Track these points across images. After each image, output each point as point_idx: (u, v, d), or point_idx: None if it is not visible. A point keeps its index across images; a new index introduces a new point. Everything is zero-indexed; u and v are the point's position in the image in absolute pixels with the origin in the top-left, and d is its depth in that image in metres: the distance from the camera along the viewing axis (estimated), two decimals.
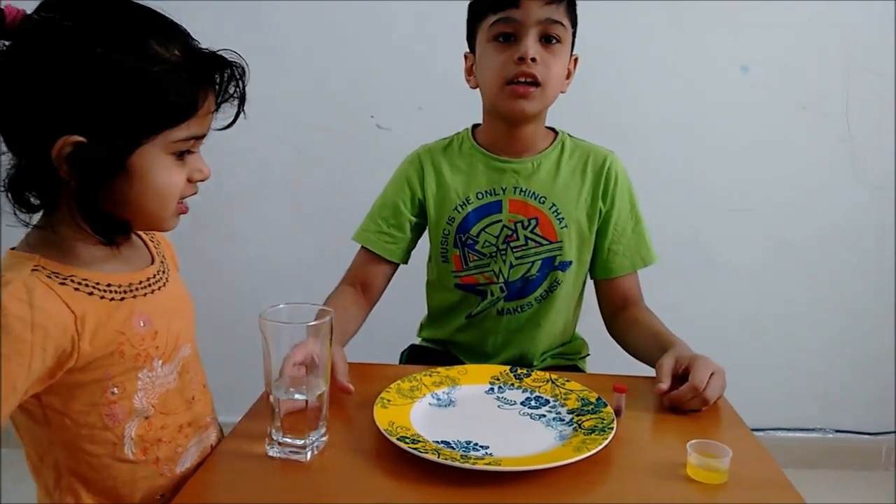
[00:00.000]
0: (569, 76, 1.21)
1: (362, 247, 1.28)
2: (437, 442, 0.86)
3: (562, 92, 1.20)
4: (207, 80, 0.76)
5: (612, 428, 0.88)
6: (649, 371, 1.14)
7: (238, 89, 0.78)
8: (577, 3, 1.18)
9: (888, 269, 2.01)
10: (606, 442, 0.84)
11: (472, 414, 0.95)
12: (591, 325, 1.36)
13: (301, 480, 0.80)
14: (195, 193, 0.82)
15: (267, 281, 1.99)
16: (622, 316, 1.26)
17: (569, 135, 1.29)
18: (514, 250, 1.23)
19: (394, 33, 1.88)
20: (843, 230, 1.99)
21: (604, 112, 1.88)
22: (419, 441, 0.85)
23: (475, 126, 1.30)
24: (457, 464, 0.79)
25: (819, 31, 1.88)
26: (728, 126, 1.93)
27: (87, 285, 0.75)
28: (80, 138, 0.70)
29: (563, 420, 0.93)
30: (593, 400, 0.96)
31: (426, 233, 1.30)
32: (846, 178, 1.96)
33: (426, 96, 1.90)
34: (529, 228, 1.22)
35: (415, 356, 1.38)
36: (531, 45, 1.11)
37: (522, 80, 1.12)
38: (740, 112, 1.92)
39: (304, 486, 0.79)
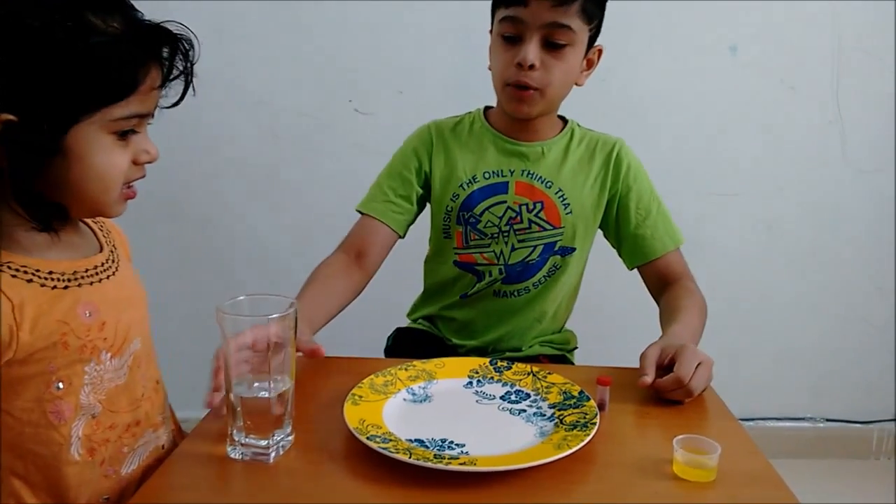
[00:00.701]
0: (590, 67, 1.18)
1: (364, 215, 1.24)
2: (411, 440, 0.81)
3: (577, 84, 1.18)
4: (151, 54, 0.71)
5: (594, 423, 0.83)
6: (636, 363, 1.10)
7: (185, 65, 0.73)
8: None
9: (879, 254, 1.98)
10: (588, 439, 0.80)
11: (449, 410, 0.91)
12: (581, 318, 1.34)
13: (265, 483, 0.76)
14: (143, 177, 0.77)
15: (242, 269, 1.94)
16: (662, 298, 1.22)
17: (577, 123, 1.28)
18: (517, 233, 1.21)
19: (375, 17, 1.82)
20: (833, 214, 1.96)
21: (588, 92, 1.82)
22: (391, 440, 0.80)
23: (487, 108, 1.28)
24: (429, 464, 0.74)
25: (808, 10, 1.83)
26: (716, 107, 1.89)
27: (25, 272, 0.71)
28: (11, 117, 0.65)
29: (544, 415, 0.89)
30: (576, 394, 0.92)
31: (426, 209, 1.28)
32: (836, 160, 1.92)
33: (407, 81, 1.84)
34: (534, 212, 1.20)
35: (401, 338, 1.34)
36: (531, 51, 1.08)
37: (521, 84, 1.10)
38: (728, 93, 1.88)
39: (268, 489, 0.74)
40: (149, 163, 0.76)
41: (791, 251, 1.98)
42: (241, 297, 0.79)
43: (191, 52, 0.73)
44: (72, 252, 0.77)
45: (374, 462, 0.77)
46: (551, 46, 1.09)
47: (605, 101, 1.84)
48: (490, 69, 1.18)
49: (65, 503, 0.76)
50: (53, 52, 0.66)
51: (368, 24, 1.82)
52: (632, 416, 0.92)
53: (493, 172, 1.21)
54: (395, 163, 1.27)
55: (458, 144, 1.24)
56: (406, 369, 0.99)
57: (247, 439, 0.78)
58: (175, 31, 0.72)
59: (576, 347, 1.34)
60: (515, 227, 1.21)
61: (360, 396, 0.90)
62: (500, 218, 1.21)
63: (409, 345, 1.32)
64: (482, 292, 1.25)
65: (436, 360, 1.02)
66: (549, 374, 0.98)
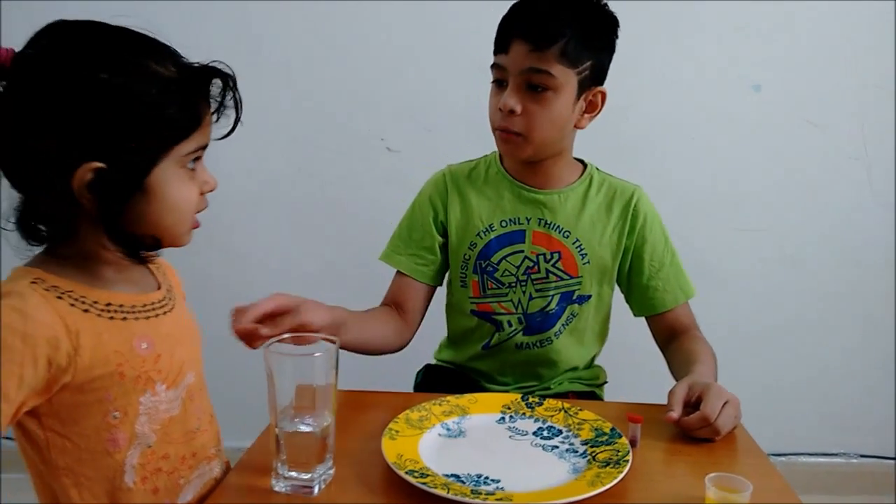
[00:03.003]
0: (593, 110, 1.17)
1: (397, 271, 1.28)
2: (447, 475, 0.83)
3: (578, 127, 1.18)
4: (204, 91, 0.77)
5: (627, 460, 0.85)
6: (665, 398, 1.11)
7: (232, 97, 0.79)
8: (618, 32, 1.16)
9: None
10: (621, 476, 0.82)
11: (483, 445, 0.93)
12: (611, 353, 1.35)
13: None
14: (206, 207, 0.83)
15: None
16: (671, 345, 1.24)
17: (597, 168, 1.27)
18: (535, 282, 1.22)
19: (403, 54, 1.88)
20: (859, 250, 1.96)
21: (614, 130, 1.85)
22: (428, 475, 0.82)
23: None
24: (467, 499, 0.77)
25: (831, 48, 1.86)
26: (741, 144, 1.91)
27: (83, 302, 0.75)
28: (100, 164, 0.71)
29: (577, 451, 0.91)
30: (607, 430, 0.94)
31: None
32: (862, 196, 1.93)
33: (434, 118, 1.89)
34: (552, 262, 1.21)
35: (430, 375, 1.36)
36: (510, 97, 1.10)
37: (505, 129, 1.13)
38: (753, 130, 1.90)
39: None
40: (210, 192, 0.82)
41: (817, 287, 1.98)
42: (286, 336, 0.83)
43: (236, 86, 0.79)
44: (132, 287, 0.82)
45: (412, 496, 0.79)
46: (534, 90, 1.10)
47: (629, 138, 1.88)
48: None
49: None
50: (129, 101, 0.72)
51: (399, 61, 1.88)
52: (663, 454, 0.93)
53: (511, 220, 1.22)
54: (413, 213, 1.28)
55: (475, 191, 1.25)
56: (440, 404, 1.01)
57: (290, 472, 0.81)
58: (220, 69, 0.78)
59: (605, 382, 1.35)
60: (533, 276, 1.21)
61: (397, 431, 0.92)
62: (518, 267, 1.21)
63: (438, 382, 1.33)
64: (504, 344, 1.25)
65: (469, 396, 1.04)
66: (581, 410, 1.00)
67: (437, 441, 0.93)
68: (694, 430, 0.94)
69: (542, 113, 1.11)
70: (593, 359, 1.33)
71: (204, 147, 0.80)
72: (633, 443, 0.92)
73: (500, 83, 1.13)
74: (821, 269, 1.97)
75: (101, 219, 0.74)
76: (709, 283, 1.96)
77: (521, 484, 0.82)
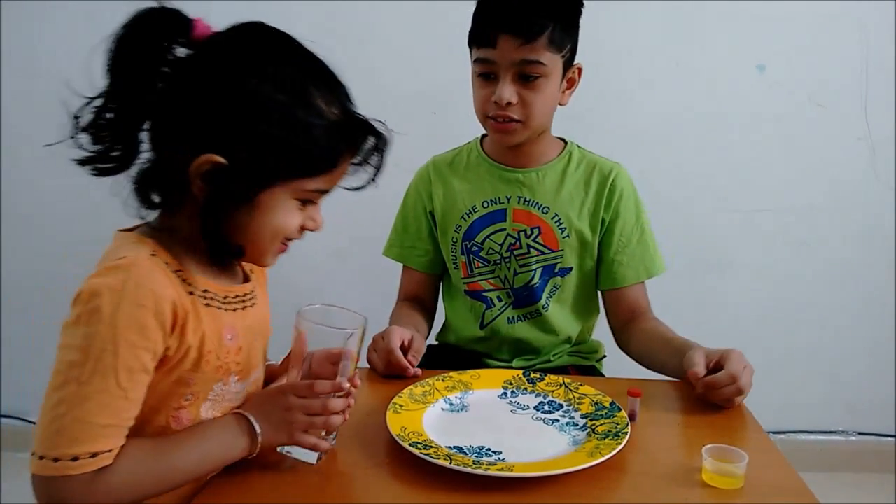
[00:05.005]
0: (571, 86, 1.21)
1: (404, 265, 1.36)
2: (450, 447, 0.85)
3: (561, 104, 1.21)
4: (353, 144, 0.79)
5: (626, 433, 0.87)
6: (665, 375, 1.13)
7: (378, 160, 0.81)
8: (583, 9, 1.17)
9: None
10: (620, 447, 0.84)
11: (485, 419, 0.95)
12: (608, 328, 1.35)
13: (314, 486, 0.80)
14: (299, 239, 0.83)
15: (278, 286, 1.99)
16: (631, 327, 1.26)
17: (577, 146, 1.30)
18: (518, 258, 1.25)
19: (408, 37, 1.88)
20: (863, 229, 1.96)
21: (618, 113, 1.87)
22: (431, 447, 0.84)
23: (484, 136, 1.32)
24: (469, 469, 0.79)
25: (836, 28, 1.85)
26: (744, 125, 1.90)
27: (189, 284, 0.77)
28: (223, 160, 0.72)
29: (577, 425, 0.93)
30: (607, 404, 0.96)
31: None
32: (866, 176, 1.92)
33: (440, 101, 1.89)
34: (532, 237, 1.24)
35: (433, 355, 1.37)
36: (506, 89, 1.12)
37: (501, 119, 1.15)
38: (757, 111, 1.90)
39: (317, 492, 0.79)
40: (311, 230, 0.83)
41: (821, 266, 1.98)
42: (317, 305, 0.84)
43: (385, 151, 0.81)
44: (223, 277, 0.84)
45: (415, 468, 0.81)
46: (526, 79, 1.13)
47: (633, 120, 1.88)
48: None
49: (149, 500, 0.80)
50: (279, 119, 0.73)
51: (403, 44, 1.88)
52: (662, 427, 0.95)
53: (492, 201, 1.26)
54: (405, 207, 1.36)
55: (457, 177, 1.30)
56: (443, 380, 1.03)
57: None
58: (379, 130, 0.80)
59: (604, 356, 1.37)
60: (516, 252, 1.25)
61: (401, 405, 0.94)
62: (501, 245, 1.25)
63: (441, 361, 1.34)
64: (497, 321, 1.28)
65: (471, 372, 1.06)
66: (581, 385, 1.02)
67: (440, 415, 0.95)
68: (720, 387, 0.96)
69: (537, 98, 1.14)
70: (590, 331, 1.36)
71: (326, 192, 0.81)
72: (632, 416, 0.94)
73: (487, 75, 1.15)
74: (823, 249, 1.97)
75: (203, 210, 0.75)
76: (712, 264, 1.99)
77: (522, 455, 0.84)
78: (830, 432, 2.09)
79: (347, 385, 0.83)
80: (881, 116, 1.89)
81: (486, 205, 1.26)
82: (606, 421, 0.91)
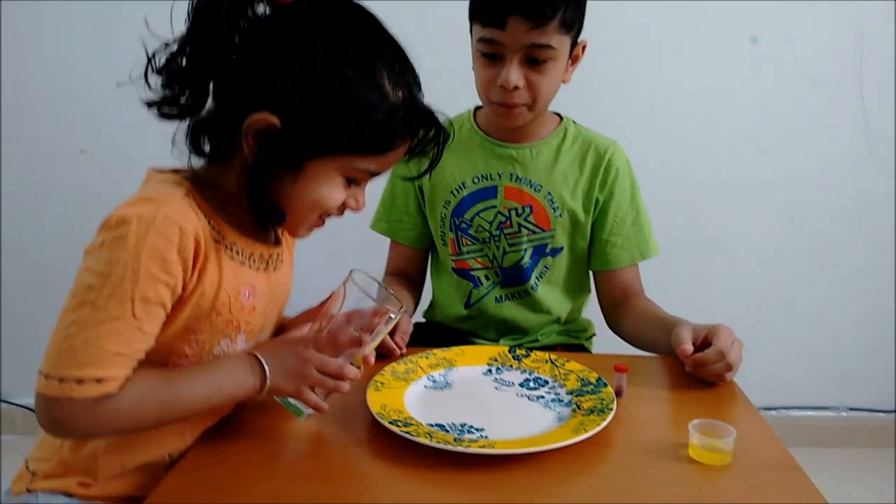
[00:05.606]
0: (575, 62, 1.16)
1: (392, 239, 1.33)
2: (432, 425, 0.83)
3: (564, 82, 1.16)
4: (413, 131, 0.78)
5: (611, 408, 0.85)
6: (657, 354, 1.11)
7: (436, 151, 0.82)
8: None
9: None
10: (605, 423, 0.82)
11: (469, 396, 0.93)
12: (598, 306, 1.33)
13: (291, 465, 0.79)
14: (338, 217, 0.83)
15: None
16: (622, 307, 1.23)
17: (573, 121, 1.26)
18: (508, 237, 1.22)
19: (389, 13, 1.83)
20: (856, 205, 1.94)
21: (609, 89, 1.83)
22: (412, 424, 0.82)
23: (478, 108, 1.27)
24: (449, 447, 0.77)
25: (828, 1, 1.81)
26: (737, 99, 1.88)
27: (218, 232, 0.77)
28: (276, 122, 0.72)
29: (562, 401, 0.91)
30: (593, 380, 0.94)
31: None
32: (860, 153, 1.90)
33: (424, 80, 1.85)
34: (523, 216, 1.21)
35: (419, 332, 1.35)
36: (513, 74, 1.07)
37: (507, 104, 1.11)
38: (749, 84, 1.87)
39: (294, 471, 0.78)
40: (352, 210, 0.82)
41: (814, 242, 1.97)
42: (367, 274, 0.82)
43: (443, 144, 0.82)
44: (256, 237, 0.83)
45: (396, 446, 0.79)
46: (533, 62, 1.08)
47: (626, 95, 1.85)
48: (473, 70, 1.16)
49: (134, 449, 0.80)
50: (343, 94, 0.73)
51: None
52: (649, 403, 0.93)
53: (482, 177, 1.22)
54: (393, 179, 1.30)
55: (448, 151, 1.23)
56: (427, 357, 1.01)
57: None
58: (441, 121, 0.80)
59: (594, 335, 1.35)
60: (506, 231, 1.21)
61: (382, 383, 0.92)
62: (491, 223, 1.22)
63: (426, 339, 1.33)
64: (483, 301, 1.25)
65: (455, 349, 1.04)
66: (567, 361, 1.00)
67: (422, 393, 0.93)
68: (709, 364, 0.94)
69: (545, 81, 1.10)
70: (579, 311, 1.33)
71: (375, 174, 0.81)
72: (618, 392, 0.92)
73: (492, 56, 1.10)
74: (815, 225, 1.96)
75: (248, 168, 0.75)
76: (705, 242, 1.97)
77: (505, 432, 0.82)
78: (822, 408, 2.09)
79: (370, 349, 0.83)
80: (876, 91, 1.86)
81: (476, 181, 1.22)
82: (592, 397, 0.89)
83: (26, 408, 2.04)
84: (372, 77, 0.74)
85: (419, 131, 0.80)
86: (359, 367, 0.82)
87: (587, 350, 1.32)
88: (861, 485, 1.82)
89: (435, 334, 1.30)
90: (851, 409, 2.08)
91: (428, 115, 0.79)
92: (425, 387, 0.95)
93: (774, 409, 2.05)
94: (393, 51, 0.78)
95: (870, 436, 2.06)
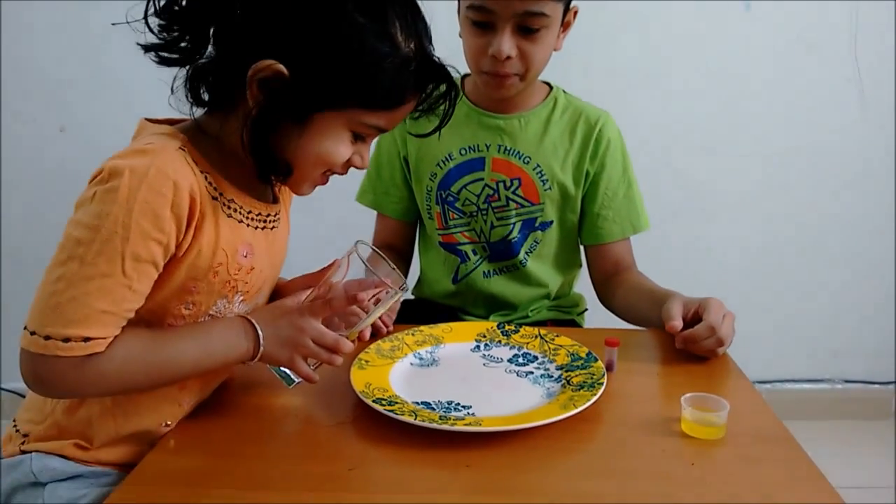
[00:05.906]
0: (566, 29, 1.12)
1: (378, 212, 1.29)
2: (417, 403, 0.81)
3: (555, 50, 1.12)
4: (423, 85, 0.75)
5: (601, 383, 0.83)
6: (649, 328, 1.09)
7: (447, 109, 0.79)
8: None
9: None
10: (595, 398, 0.79)
11: (456, 373, 0.91)
12: (590, 281, 1.31)
13: (276, 443, 0.77)
14: (342, 175, 0.80)
15: None
16: (613, 282, 1.21)
17: (563, 91, 1.22)
18: (496, 210, 1.19)
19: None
20: (850, 173, 1.91)
21: (600, 54, 1.79)
22: (396, 402, 0.80)
23: (465, 76, 1.22)
24: (434, 425, 0.74)
25: None
26: (729, 64, 1.84)
27: (215, 189, 0.74)
28: (284, 70, 0.69)
29: (552, 377, 0.88)
30: (583, 355, 0.91)
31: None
32: (853, 118, 1.87)
33: None
34: (512, 189, 1.17)
35: (407, 309, 1.32)
36: (505, 42, 1.03)
37: (498, 73, 1.07)
38: (742, 49, 1.83)
39: (279, 451, 0.75)
40: (356, 168, 0.79)
41: (807, 211, 1.94)
42: (371, 247, 0.80)
43: (454, 100, 0.78)
44: (254, 194, 0.80)
45: (380, 425, 0.77)
46: (526, 31, 1.04)
47: (617, 60, 1.81)
48: (460, 37, 1.12)
49: (129, 415, 0.77)
50: (353, 43, 0.70)
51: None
52: (640, 377, 0.91)
53: (470, 148, 1.18)
54: (379, 151, 1.27)
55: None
56: (413, 334, 0.99)
57: None
58: (452, 78, 0.77)
59: (585, 310, 1.33)
60: (494, 204, 1.18)
61: (367, 361, 0.90)
62: (478, 196, 1.18)
63: (415, 316, 1.31)
64: (471, 276, 1.22)
65: (443, 325, 1.01)
66: (557, 336, 0.97)
67: (408, 370, 0.91)
68: (700, 340, 0.92)
69: (538, 50, 1.06)
70: (570, 285, 1.31)
71: (382, 130, 0.78)
72: (609, 367, 0.90)
73: (482, 24, 1.05)
74: (810, 193, 1.93)
75: (252, 119, 0.71)
76: (697, 208, 1.94)
77: (493, 409, 0.80)
78: (817, 381, 2.08)
79: (366, 324, 0.81)
80: (870, 57, 1.83)
81: (463, 152, 1.18)
82: (582, 372, 0.87)
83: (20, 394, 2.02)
84: (384, 26, 0.71)
85: (429, 86, 0.76)
86: (353, 342, 0.80)
87: (579, 326, 1.30)
88: (857, 457, 1.81)
89: (423, 311, 1.28)
90: (847, 382, 2.07)
91: (440, 70, 0.76)
92: (411, 364, 0.92)
93: (769, 382, 2.04)
94: (406, 1, 0.75)
95: (865, 408, 2.05)
